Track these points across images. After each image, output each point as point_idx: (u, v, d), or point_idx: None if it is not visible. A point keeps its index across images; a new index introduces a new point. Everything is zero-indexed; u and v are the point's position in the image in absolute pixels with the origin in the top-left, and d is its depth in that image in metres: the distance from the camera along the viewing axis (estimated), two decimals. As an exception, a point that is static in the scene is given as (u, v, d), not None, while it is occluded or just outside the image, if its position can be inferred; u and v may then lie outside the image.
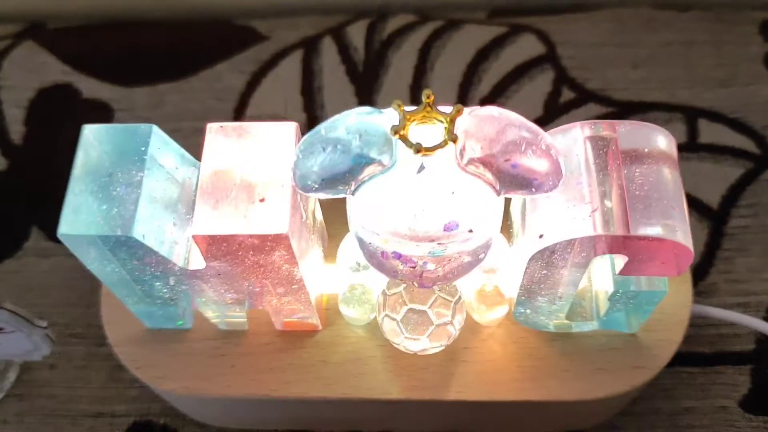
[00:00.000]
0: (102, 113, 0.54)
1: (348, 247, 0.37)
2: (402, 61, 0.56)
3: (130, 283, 0.34)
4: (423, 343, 0.34)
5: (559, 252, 0.30)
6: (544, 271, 0.32)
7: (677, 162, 0.31)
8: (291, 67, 0.56)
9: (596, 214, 0.29)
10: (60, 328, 0.46)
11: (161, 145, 0.31)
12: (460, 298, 0.34)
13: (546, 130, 0.29)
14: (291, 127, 0.31)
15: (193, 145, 0.33)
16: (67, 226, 0.29)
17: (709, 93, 0.53)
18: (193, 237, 0.29)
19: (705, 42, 0.56)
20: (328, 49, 0.57)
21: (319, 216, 0.39)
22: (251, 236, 0.29)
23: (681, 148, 0.51)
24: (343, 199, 0.30)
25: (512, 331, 0.38)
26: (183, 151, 0.33)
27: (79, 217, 0.29)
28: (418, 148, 0.27)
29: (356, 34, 0.58)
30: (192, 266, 0.32)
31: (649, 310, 0.35)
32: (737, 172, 0.50)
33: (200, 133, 0.52)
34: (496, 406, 0.37)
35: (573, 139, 0.31)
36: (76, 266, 0.35)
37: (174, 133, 0.32)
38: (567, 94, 0.54)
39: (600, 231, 0.28)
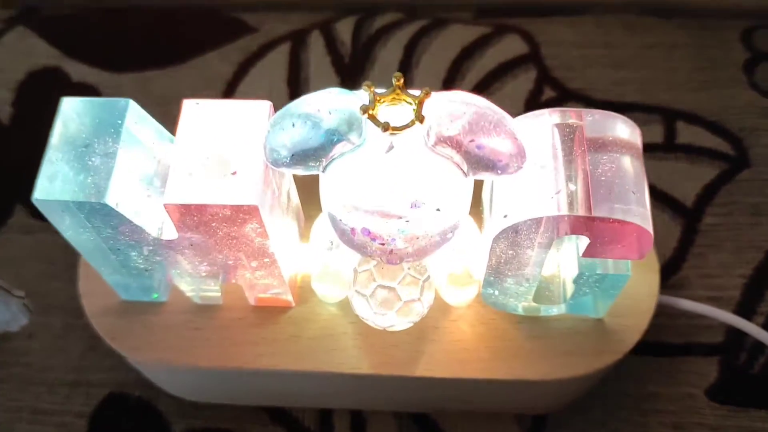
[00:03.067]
0: (90, 96, 0.55)
1: (321, 225, 0.38)
2: (388, 57, 0.57)
3: (106, 252, 0.34)
4: (391, 319, 0.35)
5: (524, 232, 0.31)
6: (510, 252, 0.33)
7: (641, 151, 0.31)
8: (278, 59, 0.57)
9: (560, 195, 0.30)
10: (39, 299, 0.47)
11: (138, 120, 0.32)
12: (428, 277, 0.35)
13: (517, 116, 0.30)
14: (265, 106, 0.32)
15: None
16: (42, 191, 0.30)
17: (688, 96, 0.54)
18: (165, 206, 0.30)
19: (687, 46, 0.57)
20: (316, 43, 0.58)
21: (295, 198, 0.39)
22: (223, 207, 0.30)
23: (657, 148, 0.52)
24: (319, 181, 0.31)
25: (481, 313, 0.39)
26: (160, 127, 0.34)
27: (54, 184, 0.30)
28: (386, 127, 0.28)
29: (344, 29, 0.59)
30: (165, 237, 0.33)
31: (615, 293, 0.35)
32: (713, 172, 0.51)
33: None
34: (463, 384, 0.37)
35: (541, 125, 0.31)
36: (58, 243, 0.36)
37: (161, 118, 0.33)
38: (548, 93, 0.55)
39: (563, 211, 0.29)
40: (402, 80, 0.29)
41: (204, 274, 0.36)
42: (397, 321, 0.35)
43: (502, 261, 0.33)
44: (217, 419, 0.43)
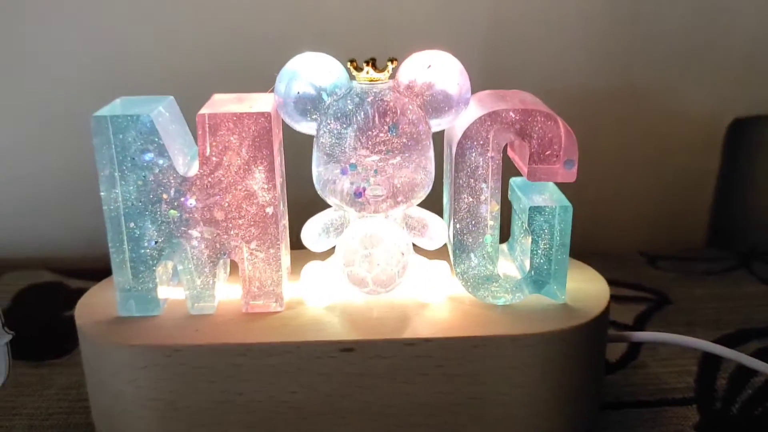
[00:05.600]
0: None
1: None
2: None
3: (122, 226, 0.40)
4: (377, 257, 0.39)
5: (474, 150, 0.39)
6: (469, 200, 0.40)
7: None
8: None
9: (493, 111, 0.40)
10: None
11: (176, 113, 0.42)
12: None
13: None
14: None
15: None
16: (102, 112, 0.39)
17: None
18: (198, 117, 0.38)
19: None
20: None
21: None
22: (241, 114, 0.38)
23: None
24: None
25: (458, 306, 0.42)
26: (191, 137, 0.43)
27: (110, 110, 0.39)
28: (367, 62, 0.40)
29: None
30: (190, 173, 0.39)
31: (566, 243, 0.41)
32: (642, 307, 0.58)
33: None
34: (447, 346, 0.39)
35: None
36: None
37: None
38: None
39: (498, 107, 0.39)
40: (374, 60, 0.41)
41: (205, 249, 0.40)
42: (382, 260, 0.39)
43: (465, 216, 0.40)
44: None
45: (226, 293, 0.44)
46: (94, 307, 0.42)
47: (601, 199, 0.71)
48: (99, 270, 0.48)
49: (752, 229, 0.74)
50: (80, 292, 0.44)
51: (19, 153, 0.67)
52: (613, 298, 0.43)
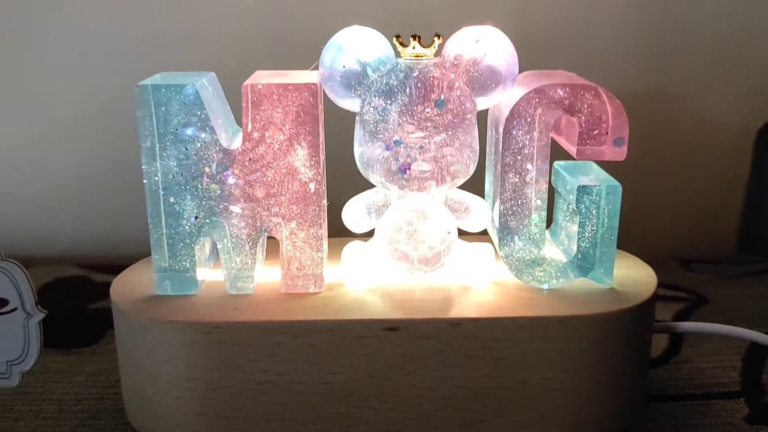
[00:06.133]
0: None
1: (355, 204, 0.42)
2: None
3: (161, 201, 0.39)
4: (422, 234, 0.38)
5: (521, 128, 0.38)
6: (515, 180, 0.39)
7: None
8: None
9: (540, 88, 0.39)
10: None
11: (218, 90, 0.42)
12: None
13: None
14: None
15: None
16: (147, 81, 0.38)
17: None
18: (243, 88, 0.37)
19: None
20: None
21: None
22: (288, 86, 0.38)
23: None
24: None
25: (502, 289, 0.41)
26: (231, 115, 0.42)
27: (154, 81, 0.38)
28: (413, 36, 0.39)
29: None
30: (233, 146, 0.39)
31: (612, 229, 0.40)
32: (680, 306, 0.57)
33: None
34: (492, 328, 0.38)
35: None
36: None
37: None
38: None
39: (545, 84, 0.38)
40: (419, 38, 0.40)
41: (245, 226, 0.39)
42: (428, 238, 0.38)
43: (508, 196, 0.40)
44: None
45: (264, 276, 0.43)
46: (130, 285, 0.41)
47: (632, 204, 0.70)
48: (125, 266, 0.47)
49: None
50: (106, 286, 0.42)
51: (41, 149, 0.67)
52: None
